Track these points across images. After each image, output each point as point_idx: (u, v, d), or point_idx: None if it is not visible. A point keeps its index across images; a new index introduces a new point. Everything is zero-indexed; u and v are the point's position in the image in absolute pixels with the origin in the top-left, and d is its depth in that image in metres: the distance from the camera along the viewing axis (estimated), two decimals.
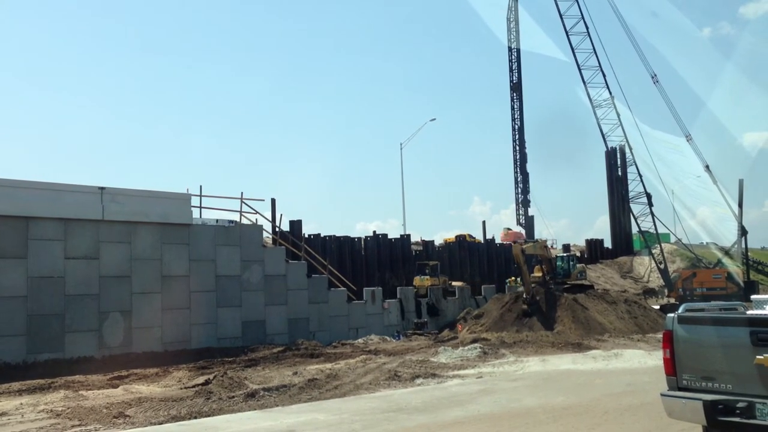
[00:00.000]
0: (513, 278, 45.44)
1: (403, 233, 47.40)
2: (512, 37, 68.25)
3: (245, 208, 29.31)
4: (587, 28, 53.67)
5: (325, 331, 30.04)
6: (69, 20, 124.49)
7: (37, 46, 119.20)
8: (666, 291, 51.60)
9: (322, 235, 40.47)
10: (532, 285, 32.98)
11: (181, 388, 16.80)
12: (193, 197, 27.12)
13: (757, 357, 6.91)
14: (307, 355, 24.03)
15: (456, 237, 51.31)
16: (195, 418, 12.84)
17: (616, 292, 38.61)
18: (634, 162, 57.02)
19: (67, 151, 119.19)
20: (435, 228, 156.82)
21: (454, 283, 40.27)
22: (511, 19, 68.03)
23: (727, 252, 56.25)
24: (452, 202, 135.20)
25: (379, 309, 33.21)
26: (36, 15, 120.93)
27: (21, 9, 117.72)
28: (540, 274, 35.32)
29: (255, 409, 13.69)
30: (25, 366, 21.24)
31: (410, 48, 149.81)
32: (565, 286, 35.23)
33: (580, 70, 54.43)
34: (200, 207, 27.62)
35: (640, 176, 56.57)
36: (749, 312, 8.19)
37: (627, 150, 58.14)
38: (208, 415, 13.05)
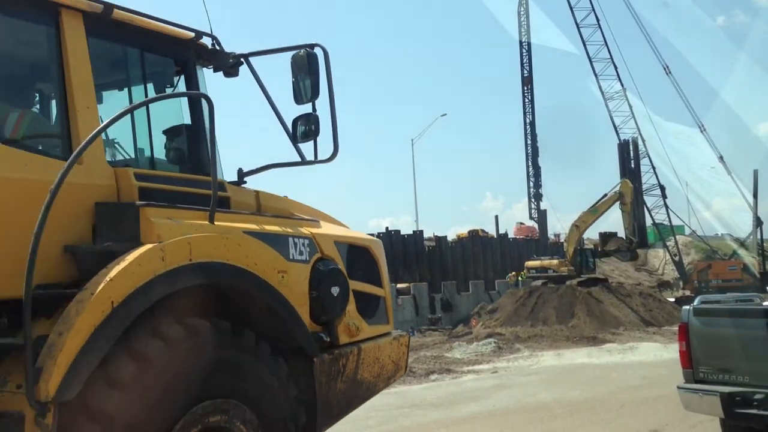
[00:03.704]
0: (513, 273, 45.38)
1: (416, 229, 47.46)
2: (523, 30, 67.92)
3: None
4: (598, 20, 53.29)
5: None
6: None
7: None
8: (681, 283, 51.26)
9: None
10: (542, 282, 33.09)
11: None
12: None
13: None
14: None
15: (469, 232, 51.35)
16: None
17: (630, 285, 38.56)
18: (647, 154, 56.58)
19: None
20: (448, 223, 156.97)
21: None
22: (522, 13, 67.71)
23: (742, 243, 55.76)
24: (465, 197, 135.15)
25: (393, 305, 33.16)
26: None
27: None
28: (565, 269, 35.42)
29: None
30: None
31: (421, 44, 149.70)
32: (579, 279, 35.21)
33: (591, 62, 54.06)
34: None
35: (654, 168, 56.17)
36: (765, 303, 8.14)
37: (640, 142, 57.67)
38: None
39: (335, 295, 5.24)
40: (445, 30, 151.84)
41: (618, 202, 37.43)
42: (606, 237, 40.74)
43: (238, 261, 4.44)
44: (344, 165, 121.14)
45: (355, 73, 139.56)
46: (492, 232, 55.73)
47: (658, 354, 19.82)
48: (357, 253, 5.96)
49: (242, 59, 5.62)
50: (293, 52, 5.36)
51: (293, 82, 5.37)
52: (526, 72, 68.26)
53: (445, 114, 70.51)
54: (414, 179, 61.64)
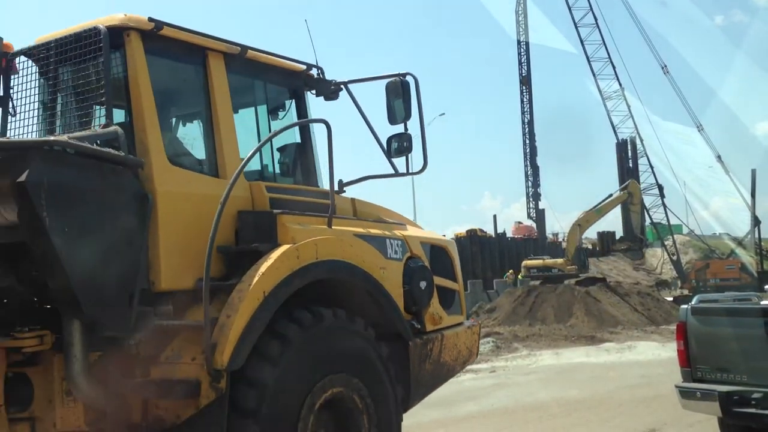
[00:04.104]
0: (511, 271, 45.36)
1: None
2: (521, 30, 67.89)
3: None
4: (596, 19, 53.30)
5: None
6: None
7: None
8: (679, 282, 51.25)
9: None
10: (538, 282, 33.17)
11: None
12: None
13: None
14: None
15: (467, 232, 51.26)
16: None
17: (628, 285, 38.48)
18: (645, 153, 56.62)
19: None
20: (446, 223, 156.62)
21: None
22: (520, 12, 67.69)
23: (740, 242, 55.73)
24: (463, 196, 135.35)
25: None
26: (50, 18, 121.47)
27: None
28: (571, 268, 35.54)
29: None
30: None
31: (418, 43, 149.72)
32: (578, 278, 35.25)
33: (589, 62, 54.08)
34: None
35: (652, 168, 56.20)
36: (763, 302, 8.14)
37: (638, 141, 57.75)
38: None
39: (423, 288, 6.15)
40: (443, 29, 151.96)
41: (622, 203, 37.90)
42: (605, 237, 40.90)
43: (351, 259, 5.33)
44: (344, 165, 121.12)
45: (354, 73, 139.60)
46: (490, 231, 55.71)
47: (656, 353, 19.82)
48: (437, 252, 6.91)
49: (342, 86, 6.45)
50: (387, 80, 6.11)
51: (387, 105, 6.14)
52: (524, 71, 68.24)
53: (444, 113, 70.01)
54: (412, 179, 61.50)
